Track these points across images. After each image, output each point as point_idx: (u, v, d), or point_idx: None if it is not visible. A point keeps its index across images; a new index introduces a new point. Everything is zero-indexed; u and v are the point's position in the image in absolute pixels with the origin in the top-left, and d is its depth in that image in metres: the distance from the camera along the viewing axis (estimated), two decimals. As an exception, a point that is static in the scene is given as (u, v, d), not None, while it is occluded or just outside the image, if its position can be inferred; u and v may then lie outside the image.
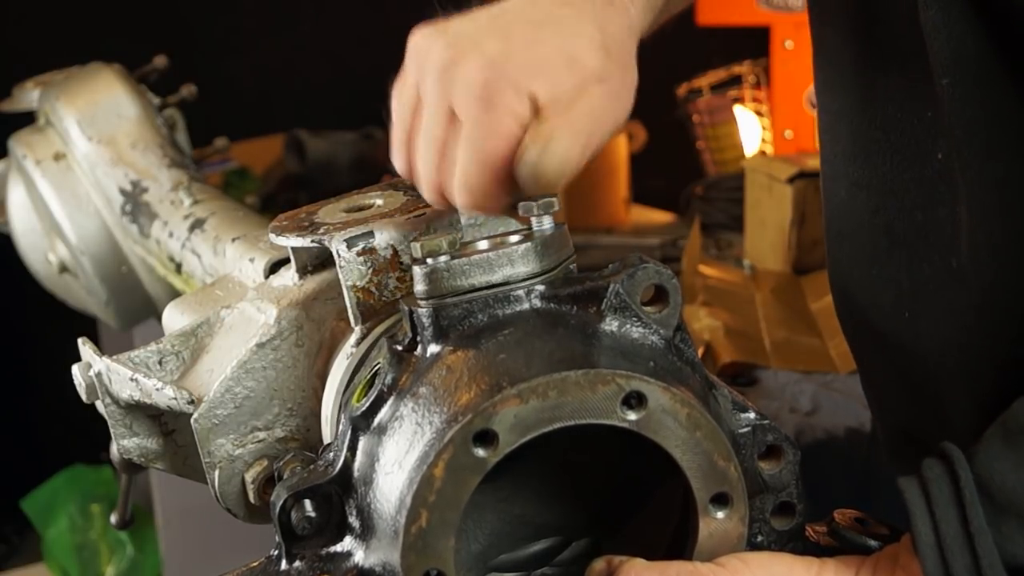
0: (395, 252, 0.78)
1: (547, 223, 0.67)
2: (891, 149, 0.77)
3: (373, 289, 0.78)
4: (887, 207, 0.78)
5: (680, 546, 0.66)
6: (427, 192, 0.73)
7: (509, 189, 0.69)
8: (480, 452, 0.58)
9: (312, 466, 0.66)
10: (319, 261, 0.84)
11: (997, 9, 0.65)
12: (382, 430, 0.63)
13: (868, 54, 0.77)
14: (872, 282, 0.81)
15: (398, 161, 0.75)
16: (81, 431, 2.30)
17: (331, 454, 0.65)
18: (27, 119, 1.45)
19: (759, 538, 0.67)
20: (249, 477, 0.81)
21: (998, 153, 0.69)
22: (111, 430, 0.87)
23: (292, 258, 0.84)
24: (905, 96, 0.74)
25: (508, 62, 0.68)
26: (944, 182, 0.72)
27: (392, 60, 0.83)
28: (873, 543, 0.68)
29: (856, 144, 0.80)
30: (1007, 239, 0.70)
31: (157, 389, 0.83)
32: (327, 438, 0.80)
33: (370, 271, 0.77)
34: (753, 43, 2.79)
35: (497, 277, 0.65)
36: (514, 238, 0.66)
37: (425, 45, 0.72)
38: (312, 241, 0.79)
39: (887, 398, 0.87)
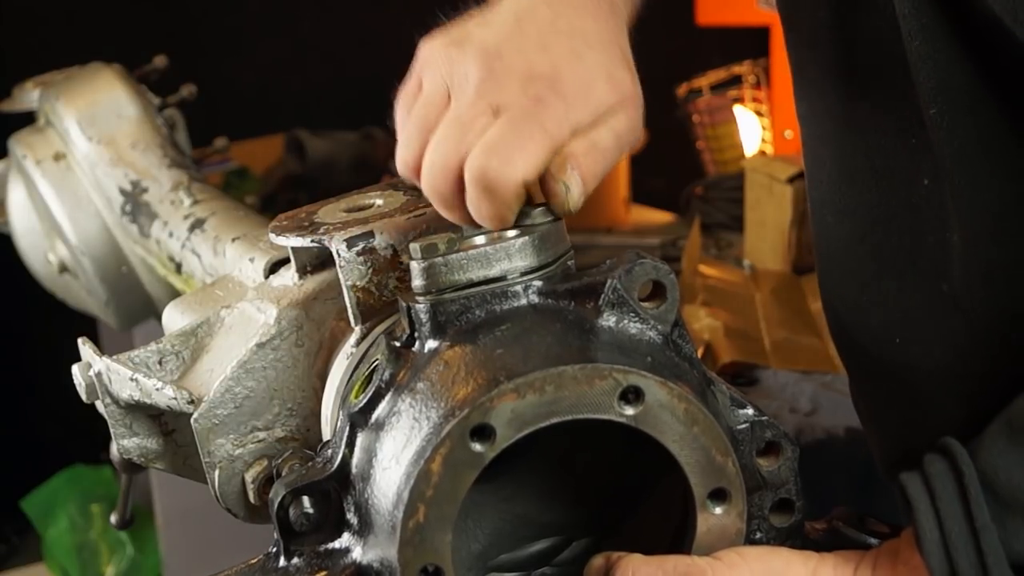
0: (395, 252, 0.78)
1: (544, 218, 0.67)
2: (876, 176, 0.76)
3: (373, 289, 0.78)
4: (874, 233, 0.77)
5: (680, 545, 0.66)
6: (437, 177, 0.67)
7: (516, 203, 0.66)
8: (477, 447, 0.58)
9: (311, 463, 0.66)
10: (319, 261, 0.84)
11: (984, 38, 0.65)
12: (380, 426, 0.63)
13: (849, 81, 0.77)
14: (862, 307, 0.81)
15: (408, 150, 0.70)
16: (81, 431, 2.30)
17: (329, 451, 0.65)
18: (27, 119, 1.45)
19: (758, 535, 0.67)
20: (249, 477, 0.81)
21: (990, 180, 0.68)
22: (111, 430, 0.87)
23: (292, 258, 0.84)
24: (888, 123, 0.74)
25: (558, 82, 0.66)
26: (931, 208, 0.72)
27: (392, 61, 0.83)
28: (873, 541, 0.68)
29: (841, 170, 0.79)
30: (1002, 265, 0.69)
31: (157, 389, 0.83)
32: (327, 438, 0.80)
33: (370, 271, 0.77)
34: (753, 43, 2.79)
35: (494, 271, 0.65)
36: (511, 233, 0.66)
37: (450, 56, 0.69)
38: (312, 241, 0.79)
39: (880, 417, 0.87)
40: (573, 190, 0.66)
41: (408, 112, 0.71)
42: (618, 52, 0.70)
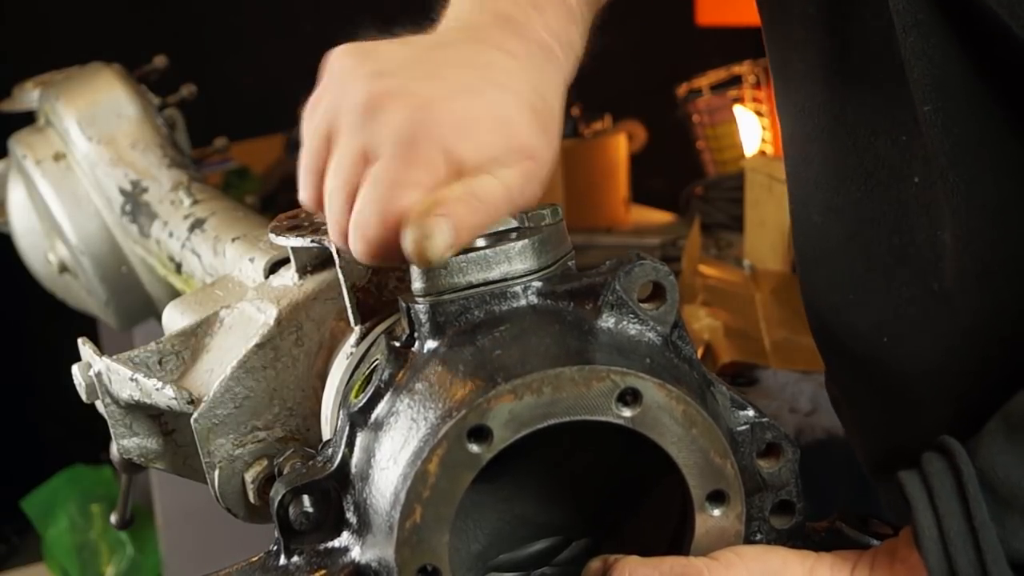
0: (395, 252, 0.78)
1: (546, 220, 0.67)
2: (865, 174, 0.75)
3: (373, 289, 0.78)
4: (863, 232, 0.77)
5: (679, 546, 0.66)
6: (333, 231, 0.66)
7: None
8: (474, 448, 0.58)
9: (311, 462, 0.66)
10: (319, 261, 0.84)
11: (980, 33, 0.65)
12: (379, 426, 0.63)
13: (840, 79, 0.76)
14: (849, 307, 0.80)
15: (305, 192, 0.67)
16: (81, 431, 2.31)
17: (330, 450, 0.66)
18: (27, 119, 1.45)
19: (758, 536, 0.67)
20: (249, 477, 0.81)
21: (986, 176, 0.68)
22: (111, 430, 0.87)
23: (292, 258, 0.84)
24: (878, 121, 0.73)
25: (436, 112, 0.62)
26: (922, 206, 0.72)
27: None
28: (875, 542, 0.68)
29: (829, 169, 0.79)
30: (999, 261, 0.69)
31: (157, 389, 0.83)
32: (327, 437, 0.80)
33: (370, 271, 0.77)
34: (753, 43, 2.78)
35: (494, 274, 0.65)
36: (512, 235, 0.66)
37: (347, 71, 0.66)
38: (312, 241, 0.79)
39: (865, 416, 0.87)
40: (435, 238, 0.59)
41: (309, 138, 0.67)
42: (528, 100, 0.65)
